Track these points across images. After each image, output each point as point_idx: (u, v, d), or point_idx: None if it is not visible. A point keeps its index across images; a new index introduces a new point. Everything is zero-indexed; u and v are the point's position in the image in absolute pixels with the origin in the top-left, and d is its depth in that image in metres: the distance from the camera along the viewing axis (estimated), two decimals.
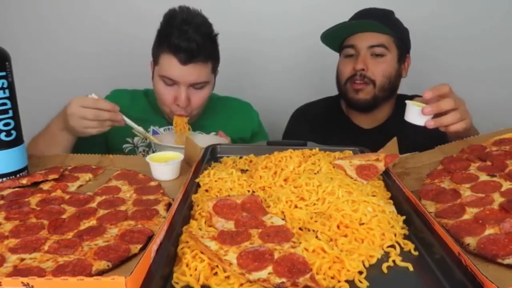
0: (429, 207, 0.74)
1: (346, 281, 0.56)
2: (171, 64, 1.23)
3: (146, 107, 1.41)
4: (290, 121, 1.56)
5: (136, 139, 1.36)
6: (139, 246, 0.61)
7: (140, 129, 1.17)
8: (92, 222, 0.70)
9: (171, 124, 1.34)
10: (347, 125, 1.45)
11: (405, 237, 0.68)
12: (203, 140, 1.21)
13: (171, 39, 1.20)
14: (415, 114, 0.96)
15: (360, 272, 0.58)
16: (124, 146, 1.35)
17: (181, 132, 1.28)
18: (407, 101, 1.00)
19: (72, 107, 1.05)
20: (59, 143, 1.11)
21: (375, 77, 1.32)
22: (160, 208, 0.74)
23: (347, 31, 1.35)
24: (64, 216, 0.72)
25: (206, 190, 0.82)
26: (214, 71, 1.33)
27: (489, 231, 0.63)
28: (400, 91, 1.43)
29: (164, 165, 0.90)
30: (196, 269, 0.57)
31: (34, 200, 0.78)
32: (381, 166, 0.86)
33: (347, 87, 1.36)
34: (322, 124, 1.47)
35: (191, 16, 1.24)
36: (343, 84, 1.38)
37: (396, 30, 1.35)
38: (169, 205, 0.76)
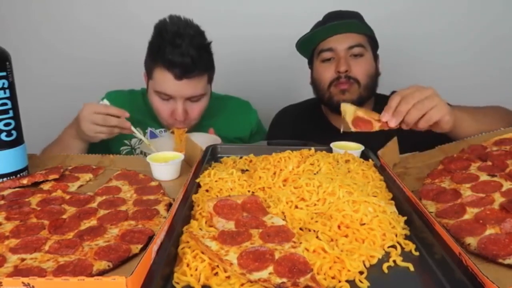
0: (430, 207, 0.74)
1: (347, 281, 0.56)
2: (166, 80, 1.21)
3: (143, 108, 1.40)
4: (272, 123, 1.55)
5: (133, 140, 1.36)
6: (139, 246, 0.61)
7: (145, 140, 1.20)
8: (93, 222, 0.70)
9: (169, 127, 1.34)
10: (326, 127, 1.42)
11: (406, 237, 0.68)
12: (196, 139, 1.21)
13: (165, 55, 1.17)
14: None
15: (361, 272, 0.58)
16: (122, 148, 1.35)
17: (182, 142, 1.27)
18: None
19: (84, 112, 1.10)
20: (72, 151, 1.15)
21: (359, 76, 1.30)
22: (161, 208, 0.74)
23: (325, 34, 1.32)
24: (64, 216, 0.72)
25: (207, 190, 0.82)
26: (210, 81, 1.32)
27: (489, 231, 0.63)
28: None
29: (165, 165, 0.91)
30: (196, 269, 0.57)
31: (34, 200, 0.79)
32: (376, 126, 0.85)
33: (331, 91, 1.32)
34: (303, 126, 1.45)
35: (183, 27, 1.21)
36: (326, 89, 1.33)
37: (370, 30, 1.35)
38: (169, 205, 0.76)
